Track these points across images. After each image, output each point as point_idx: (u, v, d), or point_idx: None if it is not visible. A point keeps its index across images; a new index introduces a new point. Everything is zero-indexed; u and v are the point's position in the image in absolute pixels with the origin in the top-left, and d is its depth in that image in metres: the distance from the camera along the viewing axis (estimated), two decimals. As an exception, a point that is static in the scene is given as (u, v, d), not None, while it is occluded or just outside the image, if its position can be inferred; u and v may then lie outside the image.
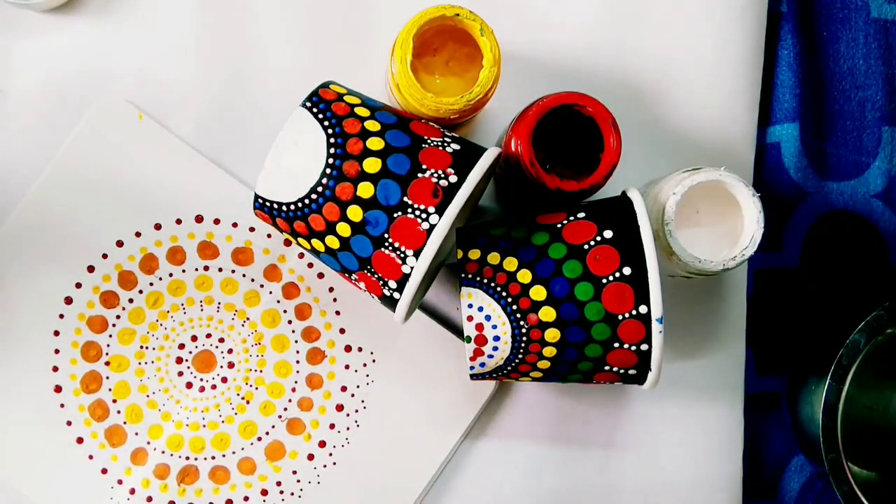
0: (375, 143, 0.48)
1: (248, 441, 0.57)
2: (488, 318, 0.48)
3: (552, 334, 0.48)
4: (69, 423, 0.57)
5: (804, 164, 0.61)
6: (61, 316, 0.57)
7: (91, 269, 0.57)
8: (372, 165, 0.47)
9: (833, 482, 0.56)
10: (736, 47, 0.60)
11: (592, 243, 0.48)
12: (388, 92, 0.55)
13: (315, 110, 0.49)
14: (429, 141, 0.49)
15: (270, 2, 0.59)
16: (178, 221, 0.58)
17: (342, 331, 0.58)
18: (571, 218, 0.49)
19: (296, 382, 0.58)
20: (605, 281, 0.47)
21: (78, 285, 0.57)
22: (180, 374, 0.57)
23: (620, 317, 0.47)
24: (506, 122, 0.57)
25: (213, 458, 0.57)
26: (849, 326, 0.56)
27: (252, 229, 0.58)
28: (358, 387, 0.58)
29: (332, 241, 0.48)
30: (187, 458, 0.57)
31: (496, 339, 0.48)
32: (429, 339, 0.58)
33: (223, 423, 0.57)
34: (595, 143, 0.51)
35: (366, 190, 0.47)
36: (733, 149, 0.60)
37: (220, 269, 0.58)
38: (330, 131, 0.48)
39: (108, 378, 0.57)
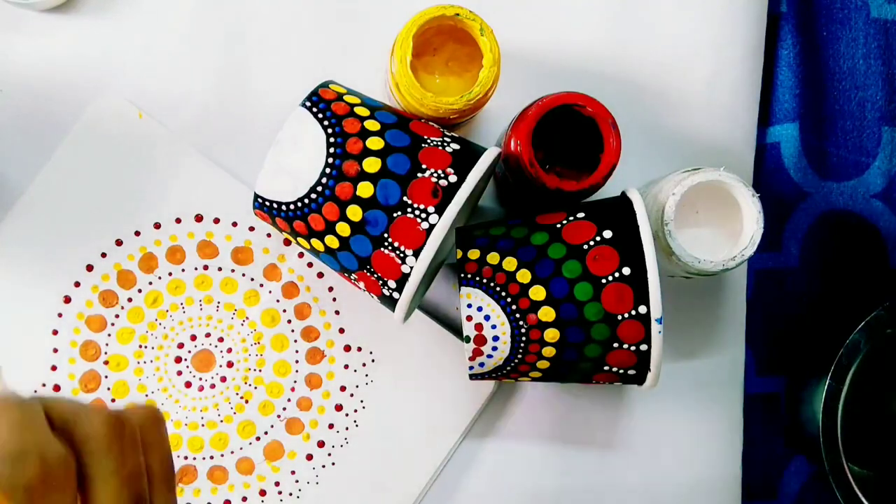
0: (375, 143, 0.48)
1: (246, 441, 0.57)
2: (487, 317, 0.48)
3: (551, 334, 0.48)
4: (68, 423, 0.57)
5: (804, 164, 0.61)
6: (60, 315, 0.57)
7: (90, 268, 0.57)
8: (371, 165, 0.47)
9: (833, 482, 0.56)
10: (736, 47, 0.60)
11: (592, 243, 0.48)
12: (388, 92, 0.55)
13: (315, 110, 0.48)
14: (428, 141, 0.49)
15: (270, 1, 0.59)
16: (178, 220, 0.58)
17: (341, 330, 0.58)
18: (571, 218, 0.49)
19: (295, 382, 0.58)
20: (604, 281, 0.47)
21: (77, 284, 0.57)
22: (179, 373, 0.57)
23: (620, 317, 0.47)
24: (506, 122, 0.56)
25: (212, 457, 0.57)
26: (849, 326, 0.56)
27: (252, 229, 0.58)
28: (357, 386, 0.58)
29: (332, 241, 0.48)
30: (185, 457, 0.57)
31: (495, 338, 0.48)
32: (428, 339, 0.58)
33: (222, 422, 0.57)
34: (595, 143, 0.51)
35: (365, 189, 0.47)
36: (733, 149, 0.60)
37: (220, 269, 0.58)
38: (330, 131, 0.48)
39: (106, 377, 0.57)
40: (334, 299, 0.58)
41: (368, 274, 0.48)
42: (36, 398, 0.37)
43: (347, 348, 0.58)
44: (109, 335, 0.57)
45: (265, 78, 0.59)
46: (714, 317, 0.60)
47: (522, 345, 0.48)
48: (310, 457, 0.58)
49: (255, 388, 0.57)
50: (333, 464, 0.58)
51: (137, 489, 0.36)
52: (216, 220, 0.58)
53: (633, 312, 0.47)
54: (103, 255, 0.57)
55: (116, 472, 0.35)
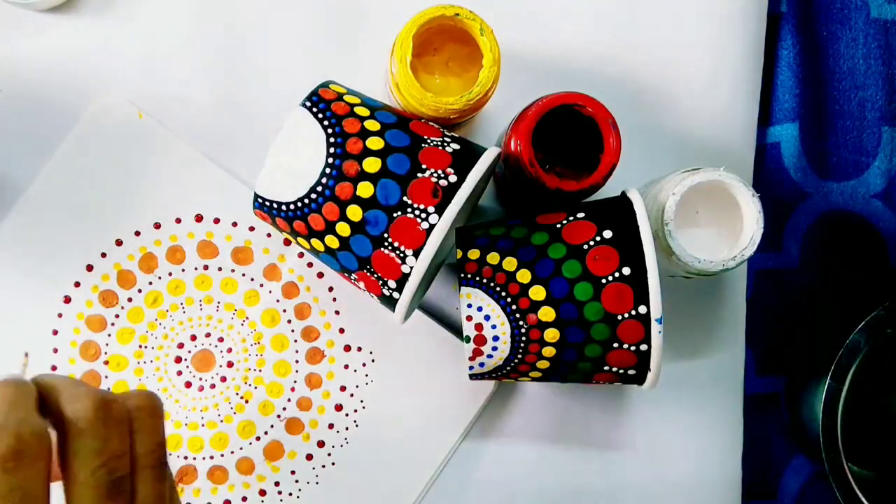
0: (375, 143, 0.48)
1: (246, 441, 0.57)
2: (487, 317, 0.48)
3: (551, 334, 0.48)
4: (68, 423, 0.57)
5: (804, 164, 0.61)
6: (60, 315, 0.57)
7: (90, 268, 0.57)
8: (371, 165, 0.47)
9: (833, 482, 0.56)
10: (736, 47, 0.60)
11: (592, 243, 0.48)
12: (388, 92, 0.55)
13: (315, 110, 0.48)
14: (428, 140, 0.49)
15: (270, 2, 0.59)
16: (178, 220, 0.58)
17: (341, 330, 0.58)
18: (571, 218, 0.49)
19: (295, 382, 0.58)
20: (604, 281, 0.47)
21: (77, 284, 0.57)
22: (179, 373, 0.57)
23: (620, 317, 0.47)
24: (506, 122, 0.56)
25: (212, 457, 0.57)
26: (849, 326, 0.56)
27: (252, 229, 0.58)
28: (357, 386, 0.58)
29: (332, 241, 0.48)
30: (185, 457, 0.57)
31: (495, 338, 0.48)
32: (428, 339, 0.58)
33: (222, 422, 0.57)
34: (595, 143, 0.51)
35: (365, 189, 0.47)
36: (733, 149, 0.60)
37: (220, 269, 0.58)
38: (330, 131, 0.48)
39: (106, 377, 0.57)
40: (334, 299, 0.58)
41: (368, 274, 0.48)
42: (35, 377, 0.38)
43: (347, 348, 0.58)
44: (109, 335, 0.57)
45: (265, 78, 0.59)
46: (714, 317, 0.60)
47: (522, 345, 0.48)
48: (310, 457, 0.58)
49: (255, 388, 0.57)
50: (333, 464, 0.58)
51: (118, 472, 0.36)
52: (216, 220, 0.58)
53: (633, 312, 0.47)
54: (103, 255, 0.57)
55: (98, 452, 0.36)
